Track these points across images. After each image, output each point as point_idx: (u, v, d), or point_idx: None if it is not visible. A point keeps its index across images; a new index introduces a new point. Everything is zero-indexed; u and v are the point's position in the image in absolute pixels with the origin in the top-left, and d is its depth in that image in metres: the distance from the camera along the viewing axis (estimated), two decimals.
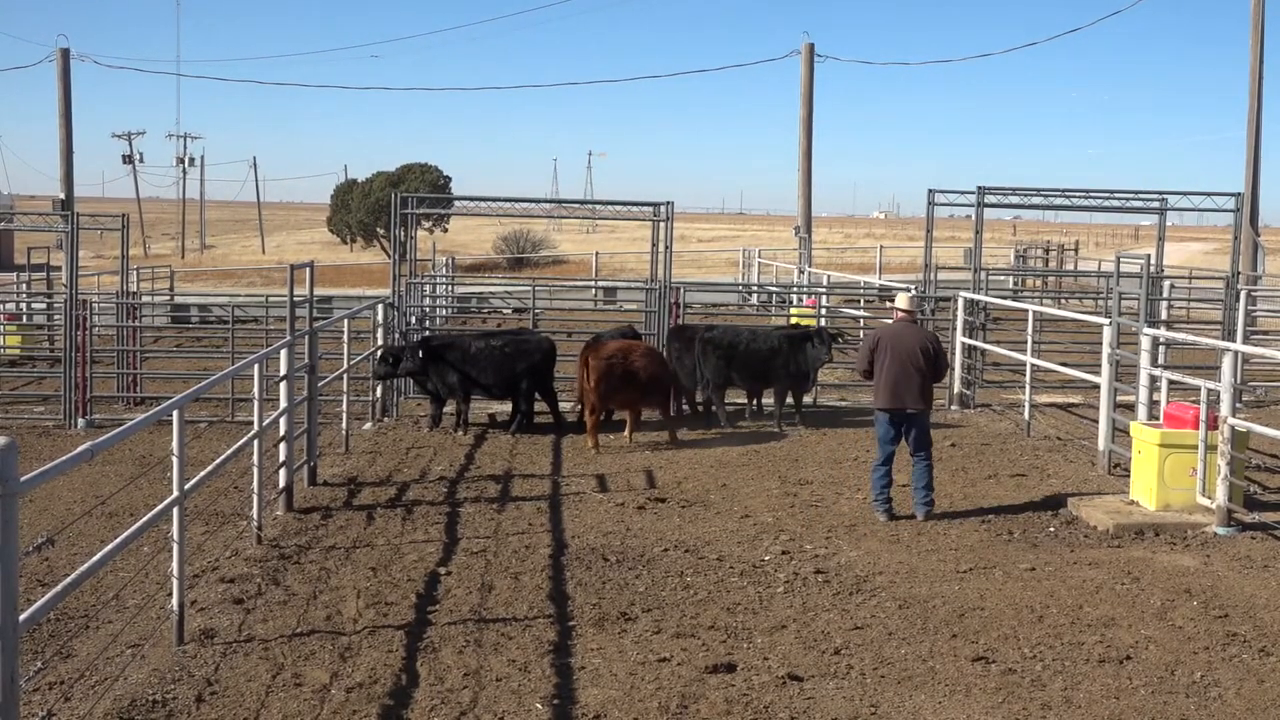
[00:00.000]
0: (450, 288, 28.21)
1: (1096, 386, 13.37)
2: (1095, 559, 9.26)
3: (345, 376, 14.05)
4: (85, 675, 6.76)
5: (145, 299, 25.17)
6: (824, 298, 22.71)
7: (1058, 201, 18.89)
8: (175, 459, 7.16)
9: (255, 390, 9.66)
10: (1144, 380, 12.00)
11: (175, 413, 7.14)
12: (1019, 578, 8.75)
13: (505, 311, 29.46)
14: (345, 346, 14.35)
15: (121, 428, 6.46)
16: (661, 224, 16.68)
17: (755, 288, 32.63)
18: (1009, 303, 19.46)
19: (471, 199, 18.42)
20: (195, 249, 75.11)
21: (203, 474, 8.05)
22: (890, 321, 11.11)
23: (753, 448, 13.74)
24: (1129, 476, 11.14)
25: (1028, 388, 15.28)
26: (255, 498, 9.45)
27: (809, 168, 36.53)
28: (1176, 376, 12.17)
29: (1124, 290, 13.66)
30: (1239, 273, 19.04)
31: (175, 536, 7.20)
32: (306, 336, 11.73)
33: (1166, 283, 20.63)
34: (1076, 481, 11.94)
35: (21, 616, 5.15)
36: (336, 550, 9.36)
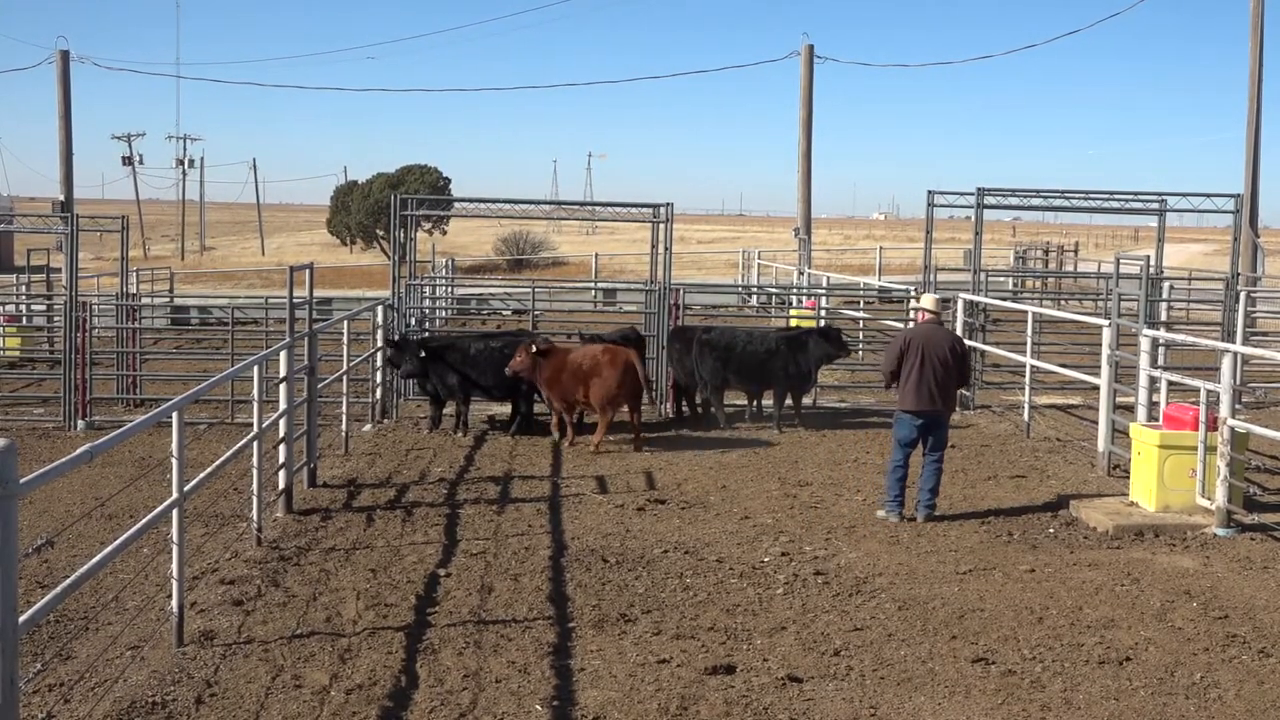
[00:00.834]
0: (450, 289, 28.22)
1: (1096, 388, 13.38)
2: (1095, 560, 9.26)
3: (345, 378, 14.05)
4: (85, 677, 6.76)
5: (145, 301, 25.13)
6: (823, 299, 22.73)
7: (1057, 203, 18.90)
8: (175, 461, 7.16)
9: (255, 392, 9.66)
10: (1143, 381, 12.00)
11: (175, 414, 7.14)
12: (1019, 579, 8.76)
13: (505, 313, 29.47)
14: (345, 348, 14.35)
15: (121, 429, 6.46)
16: (661, 225, 16.69)
17: (755, 289, 32.65)
18: (1009, 304, 19.47)
19: (471, 200, 18.42)
20: (195, 251, 75.12)
21: (202, 475, 8.05)
22: (915, 323, 11.10)
23: (752, 449, 13.74)
24: (1129, 478, 11.14)
25: (1027, 389, 15.29)
26: (255, 499, 9.45)
27: (808, 169, 36.55)
28: (1176, 378, 12.18)
29: (1123, 291, 13.67)
30: (1238, 274, 19.04)
31: (175, 538, 7.20)
32: (306, 338, 11.73)
33: (1166, 284, 20.62)
34: (1076, 483, 11.95)
35: (21, 618, 5.15)
36: (336, 552, 9.36)
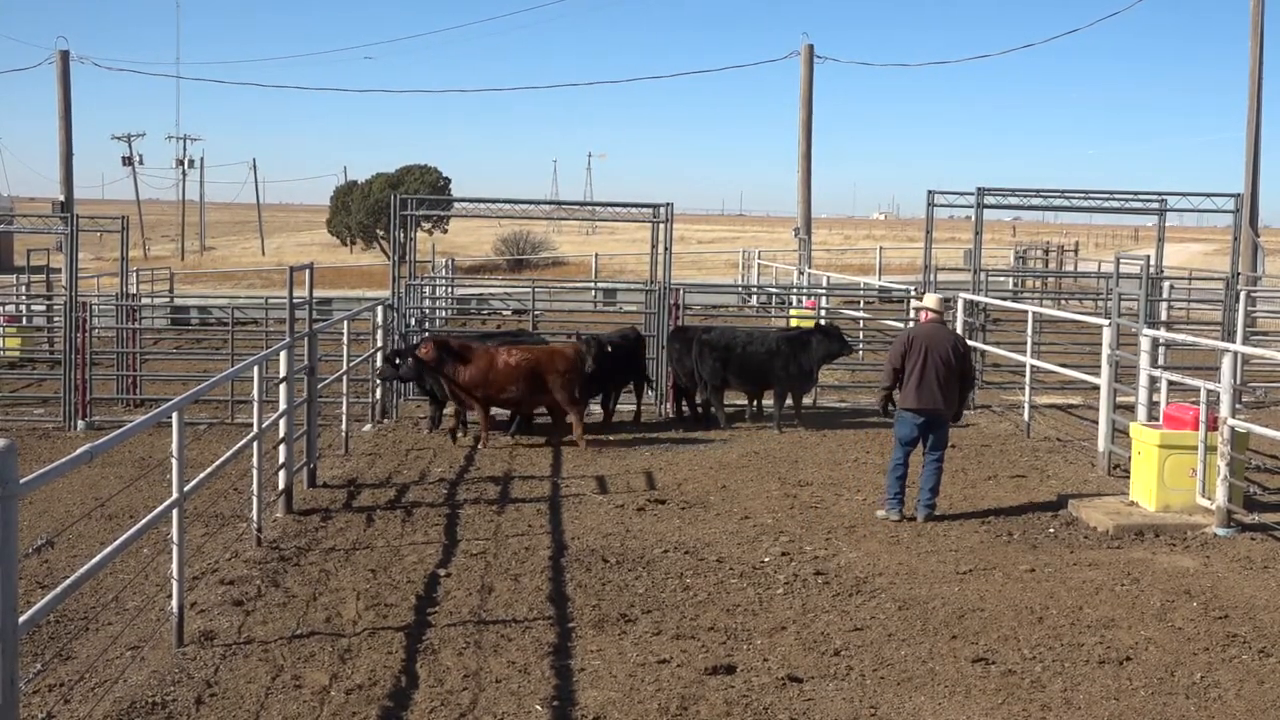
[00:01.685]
0: (450, 289, 28.22)
1: (1096, 387, 13.38)
2: (1095, 560, 9.26)
3: (345, 378, 14.05)
4: (85, 677, 6.76)
5: (145, 301, 25.14)
6: (823, 299, 22.73)
7: (1057, 202, 18.90)
8: (175, 461, 7.16)
9: (255, 392, 9.66)
10: (1144, 381, 12.00)
11: (175, 415, 7.15)
12: (1019, 579, 8.76)
13: (505, 313, 29.47)
14: (345, 348, 14.35)
15: (121, 430, 6.46)
16: (661, 225, 16.68)
17: (755, 289, 32.64)
18: (1009, 304, 19.47)
19: (471, 200, 18.42)
20: (195, 251, 75.10)
21: (202, 476, 8.05)
22: (918, 323, 11.12)
23: (752, 449, 13.74)
24: (1129, 477, 11.14)
25: (1027, 389, 15.29)
26: (255, 499, 9.45)
27: (808, 169, 36.55)
28: (1176, 377, 12.17)
29: (1124, 291, 13.67)
30: (1239, 274, 19.05)
31: (175, 538, 7.20)
32: (306, 338, 11.73)
33: (1166, 284, 20.63)
34: (1076, 482, 11.95)
35: (21, 618, 5.15)
36: (336, 552, 9.36)
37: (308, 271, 12.26)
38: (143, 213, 78.53)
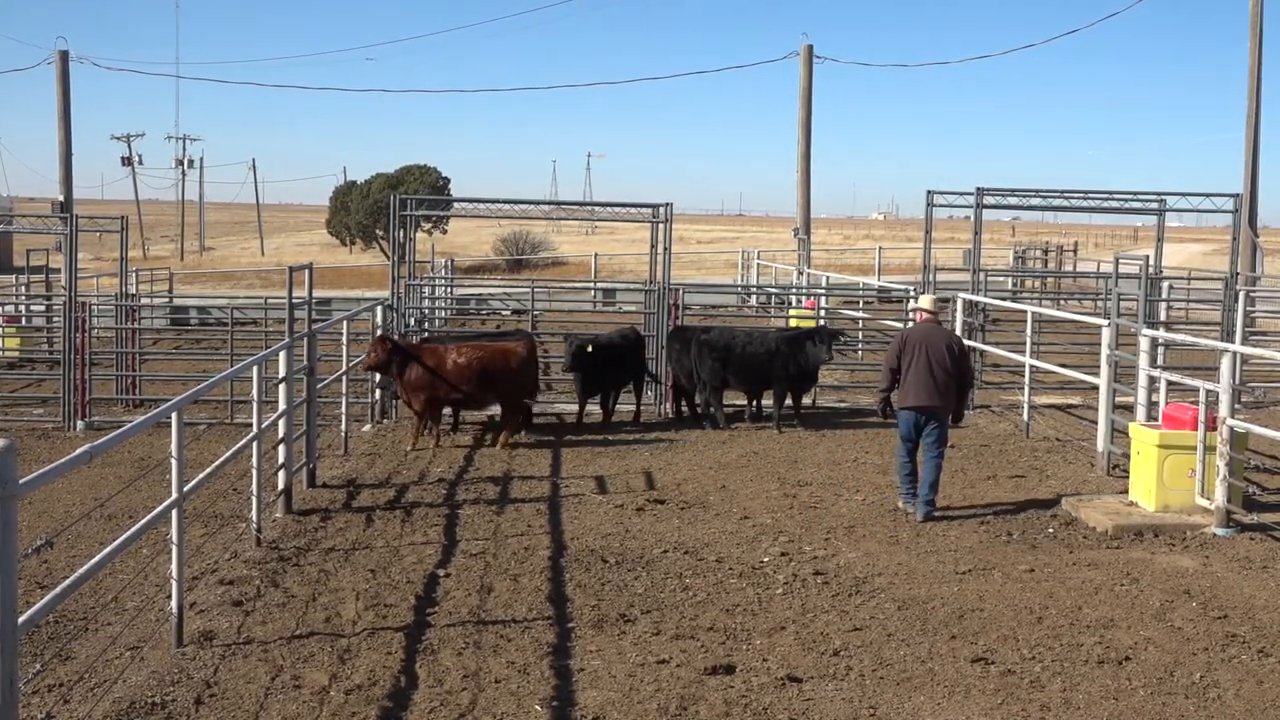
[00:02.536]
0: (449, 289, 28.22)
1: (1095, 387, 13.38)
2: (1094, 560, 9.26)
3: (344, 378, 14.05)
4: (84, 677, 6.76)
5: (144, 301, 25.14)
6: (823, 299, 22.73)
7: (1056, 202, 18.90)
8: (174, 461, 7.16)
9: (254, 392, 9.66)
10: (1143, 381, 12.00)
11: (174, 415, 7.15)
12: (1018, 579, 8.76)
13: (505, 313, 29.46)
14: (344, 348, 14.35)
15: (121, 430, 6.45)
16: (660, 225, 16.69)
17: (754, 289, 32.64)
18: (1008, 304, 19.46)
19: (470, 200, 18.41)
20: (194, 251, 75.08)
21: (202, 476, 8.05)
22: (915, 323, 11.17)
23: (752, 450, 13.74)
24: (1128, 477, 11.14)
25: (1027, 389, 15.28)
26: (254, 500, 9.45)
27: (808, 169, 36.53)
28: (1175, 377, 12.18)
29: (1123, 291, 13.67)
30: (1238, 274, 19.05)
31: (174, 538, 7.20)
32: (305, 338, 11.73)
33: (1165, 284, 20.61)
34: (1075, 482, 11.95)
35: (21, 618, 5.15)
36: (335, 552, 9.36)
37: (307, 272, 12.26)
38: (142, 213, 78.51)
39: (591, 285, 32.24)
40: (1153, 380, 12.01)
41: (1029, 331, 16.19)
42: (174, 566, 7.18)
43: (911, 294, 17.99)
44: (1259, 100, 29.85)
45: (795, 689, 6.68)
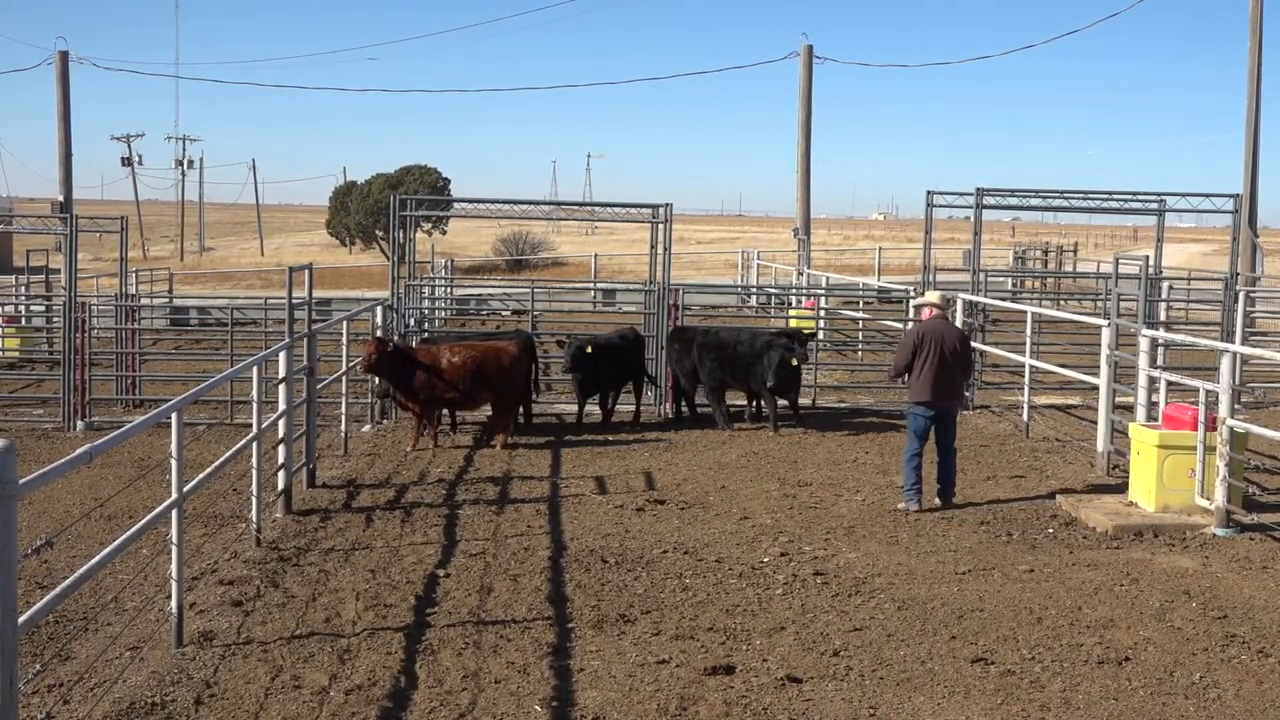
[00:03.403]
0: (449, 290, 28.22)
1: (1095, 388, 13.38)
2: (1094, 560, 9.26)
3: (344, 379, 14.05)
4: (84, 678, 6.76)
5: (144, 301, 25.13)
6: (823, 299, 22.73)
7: (1056, 203, 18.90)
8: (174, 461, 7.16)
9: (254, 392, 9.66)
10: (1143, 381, 12.00)
11: (174, 415, 7.15)
12: (1018, 579, 8.76)
13: (504, 313, 29.47)
14: (344, 349, 14.35)
15: (120, 430, 6.46)
16: (660, 225, 16.69)
17: (754, 289, 32.64)
18: (1008, 304, 19.48)
19: (470, 201, 18.42)
20: (194, 251, 75.09)
21: (201, 476, 8.05)
22: (924, 320, 11.19)
23: (751, 450, 13.74)
24: (1128, 478, 11.14)
25: (1026, 389, 15.28)
26: (254, 500, 9.45)
27: (808, 169, 36.52)
28: (1175, 378, 12.18)
29: (1123, 291, 13.67)
30: (1237, 274, 19.05)
31: (174, 539, 7.20)
32: (305, 339, 11.73)
33: (1165, 284, 20.62)
34: (1075, 483, 11.94)
35: (20, 619, 5.14)
36: (335, 552, 9.36)
37: (307, 272, 12.26)
38: (142, 213, 78.49)
39: (591, 285, 32.23)
40: (1152, 380, 12.00)
41: (1029, 332, 16.19)
42: (174, 567, 7.18)
43: (913, 293, 17.98)
44: (1259, 100, 29.85)
45: (795, 689, 6.68)
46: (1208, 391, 10.16)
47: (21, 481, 4.95)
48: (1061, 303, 27.70)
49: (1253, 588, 8.56)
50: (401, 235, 17.40)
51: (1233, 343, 14.59)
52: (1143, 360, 12.08)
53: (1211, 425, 10.06)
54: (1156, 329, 14.96)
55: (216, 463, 8.48)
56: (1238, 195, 18.80)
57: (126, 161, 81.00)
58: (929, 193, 18.12)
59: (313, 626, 7.61)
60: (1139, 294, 13.03)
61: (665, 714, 6.34)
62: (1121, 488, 11.23)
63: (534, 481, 12.15)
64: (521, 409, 14.82)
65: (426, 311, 20.38)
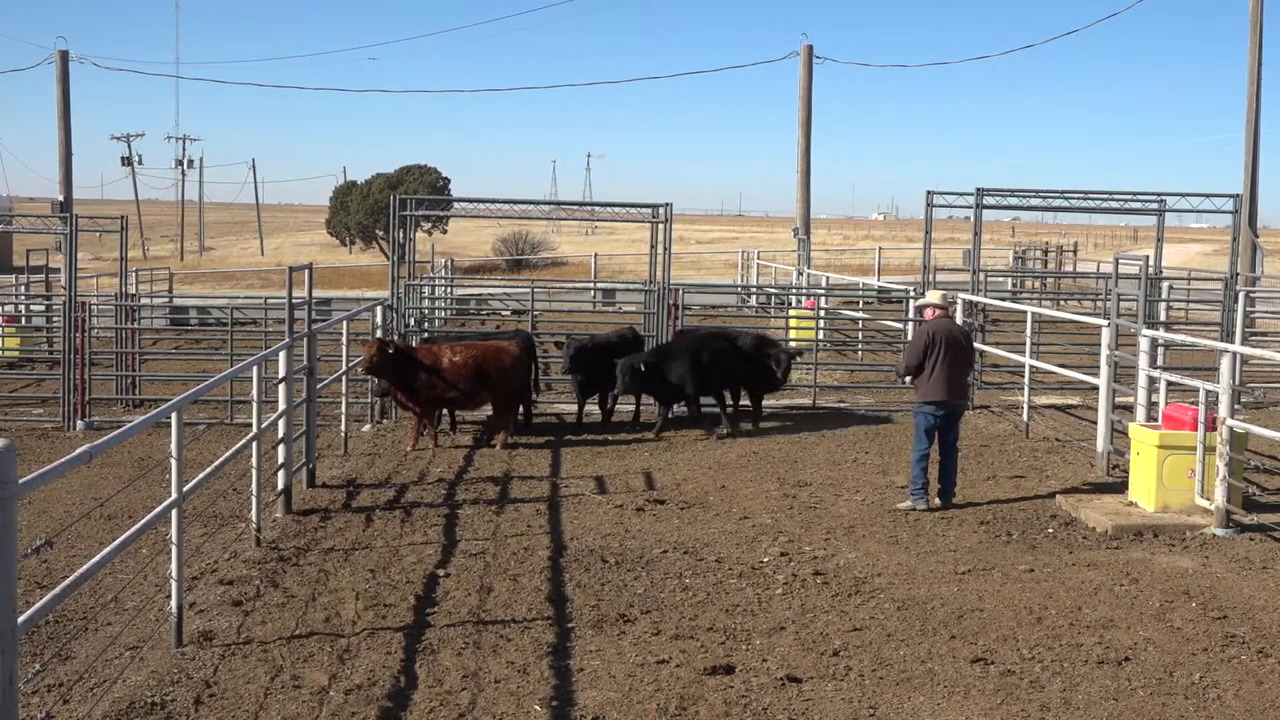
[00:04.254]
0: (449, 289, 28.21)
1: (1095, 388, 13.38)
2: (1094, 560, 9.26)
3: (344, 379, 14.05)
4: (84, 677, 6.76)
5: (144, 301, 25.15)
6: (823, 299, 22.72)
7: (1056, 203, 18.91)
8: (174, 461, 7.16)
9: (254, 392, 9.66)
10: (1142, 381, 12.00)
11: (174, 415, 7.14)
12: (1018, 579, 8.75)
13: (504, 313, 29.47)
14: (344, 349, 14.35)
15: (120, 430, 6.46)
16: (660, 225, 16.69)
17: (754, 289, 32.64)
18: (1008, 304, 19.48)
19: (470, 201, 18.42)
20: (194, 251, 75.08)
21: (201, 476, 8.05)
22: (931, 319, 11.18)
23: (751, 450, 13.74)
24: (1128, 478, 11.14)
25: (1026, 389, 15.28)
26: (254, 500, 9.45)
27: (808, 169, 36.52)
28: (1175, 378, 12.17)
29: (1122, 291, 13.66)
30: (1237, 274, 19.05)
31: (174, 538, 7.20)
32: (305, 338, 11.72)
33: (1165, 284, 20.62)
34: (1075, 483, 11.94)
35: (20, 618, 5.14)
36: (335, 552, 9.35)
37: (307, 272, 12.26)
38: (142, 213, 78.50)
39: (591, 285, 32.23)
40: (1152, 380, 12.00)
41: (1029, 332, 16.19)
42: (174, 566, 7.18)
43: (912, 294, 17.98)
44: (1259, 100, 29.86)
45: (795, 689, 6.68)
46: (1208, 391, 10.16)
47: (21, 481, 4.95)
48: (1061, 303, 27.71)
49: (1253, 588, 8.56)
50: (401, 235, 17.40)
51: (1233, 343, 14.58)
52: (1142, 360, 12.08)
53: (1211, 425, 10.05)
54: (1156, 329, 14.96)
55: (216, 462, 8.48)
56: (1238, 195, 18.80)
57: (126, 161, 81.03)
58: (929, 193, 18.12)
59: (312, 626, 7.61)
60: (1139, 294, 13.02)
61: (665, 714, 6.34)
62: (1121, 488, 11.22)
63: (534, 481, 12.15)
64: (521, 409, 14.82)
65: (426, 311, 20.37)
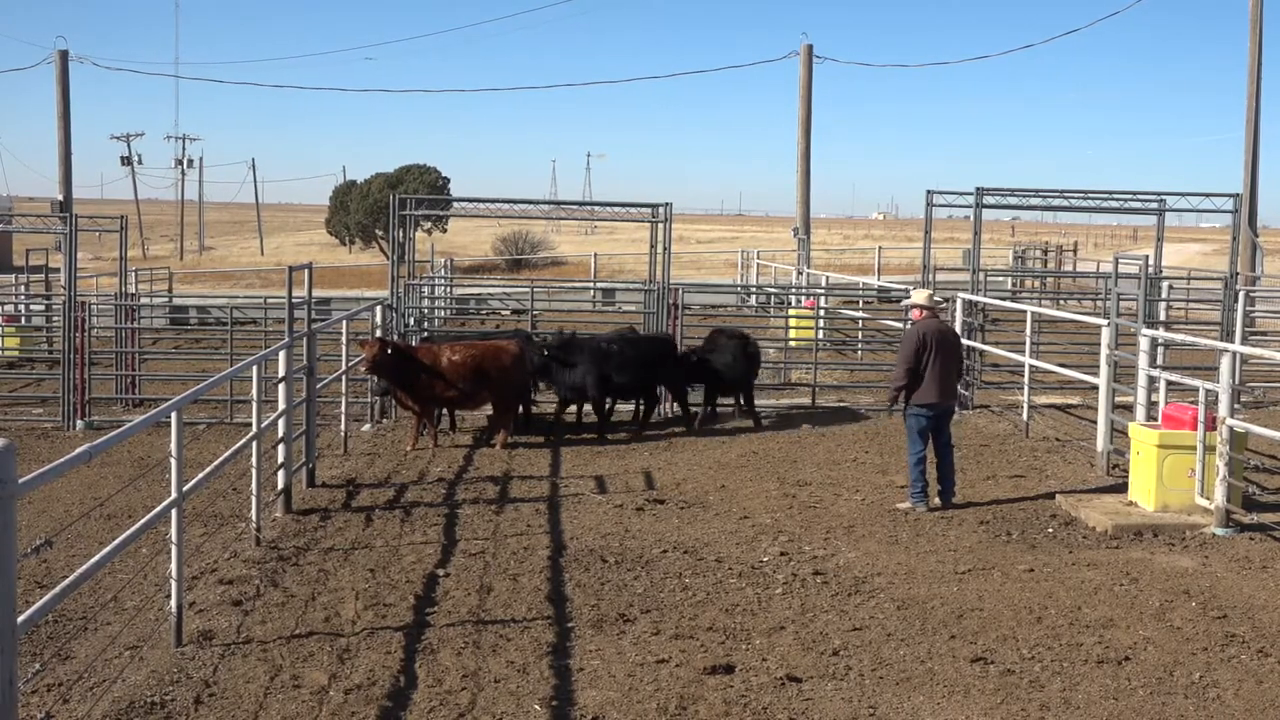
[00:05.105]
0: (449, 289, 28.21)
1: (1095, 387, 13.37)
2: (1094, 560, 9.25)
3: (344, 378, 14.04)
4: (83, 677, 6.76)
5: (144, 301, 25.15)
6: (822, 299, 22.72)
7: (1056, 202, 18.89)
8: (174, 460, 7.16)
9: (254, 392, 9.66)
10: (1142, 381, 12.00)
11: (174, 414, 7.14)
12: (1017, 579, 8.75)
13: (504, 313, 29.47)
14: (344, 348, 14.35)
15: (120, 429, 6.46)
16: (660, 225, 16.69)
17: (754, 289, 32.63)
18: (1007, 304, 19.46)
19: (470, 200, 18.42)
20: (194, 250, 75.07)
21: (201, 476, 8.05)
22: (919, 320, 11.14)
23: (751, 450, 13.74)
24: (1127, 477, 11.14)
25: (1026, 389, 15.27)
26: (254, 499, 9.45)
27: (807, 169, 36.52)
28: (1175, 377, 12.16)
29: (1122, 291, 13.66)
30: (1237, 273, 19.04)
31: (174, 538, 7.20)
32: (305, 338, 11.72)
33: (1165, 283, 20.60)
34: (1075, 482, 11.94)
35: (20, 618, 5.14)
36: (335, 552, 9.35)
37: (306, 271, 12.26)
38: (141, 212, 78.50)
39: (591, 285, 32.23)
40: (1152, 380, 12.00)
41: (1028, 331, 16.18)
42: (173, 566, 7.18)
43: (909, 292, 17.97)
44: (1259, 100, 29.86)
45: (795, 689, 6.68)
46: (1207, 391, 10.16)
47: (21, 480, 4.95)
48: (1061, 302, 27.70)
49: (1252, 587, 8.56)
50: (401, 235, 17.39)
51: (1232, 342, 14.59)
52: (1142, 360, 12.08)
53: (1211, 425, 10.05)
54: (1156, 329, 14.95)
55: (216, 462, 8.48)
56: (1238, 195, 18.78)
57: (126, 161, 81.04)
58: (929, 192, 18.11)
59: (312, 626, 7.61)
60: (1139, 294, 13.02)
61: (665, 713, 6.34)
62: (1121, 487, 11.22)
63: (534, 481, 12.15)
64: (521, 408, 14.82)
65: (426, 311, 20.37)
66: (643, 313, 17.72)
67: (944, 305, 11.71)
